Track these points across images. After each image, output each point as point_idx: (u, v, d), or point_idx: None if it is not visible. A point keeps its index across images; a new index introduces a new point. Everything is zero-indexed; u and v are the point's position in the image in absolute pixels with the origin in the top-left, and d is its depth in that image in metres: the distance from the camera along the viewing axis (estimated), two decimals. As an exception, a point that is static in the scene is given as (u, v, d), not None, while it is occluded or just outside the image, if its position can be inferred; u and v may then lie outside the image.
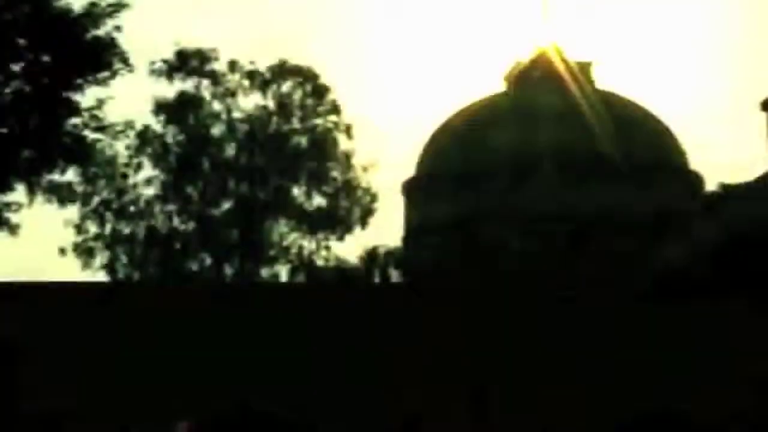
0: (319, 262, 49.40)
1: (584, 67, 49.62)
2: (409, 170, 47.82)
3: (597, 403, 24.68)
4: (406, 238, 40.89)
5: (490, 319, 25.07)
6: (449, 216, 37.85)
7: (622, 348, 24.93)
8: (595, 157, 37.00)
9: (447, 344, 24.80)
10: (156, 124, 47.84)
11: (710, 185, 39.26)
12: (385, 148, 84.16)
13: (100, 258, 46.89)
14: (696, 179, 39.21)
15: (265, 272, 47.84)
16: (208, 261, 46.84)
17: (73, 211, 48.24)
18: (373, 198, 50.09)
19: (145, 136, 47.30)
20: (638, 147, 37.53)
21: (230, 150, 47.75)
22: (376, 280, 50.25)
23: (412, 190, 40.92)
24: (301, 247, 48.94)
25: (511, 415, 24.25)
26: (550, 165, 36.85)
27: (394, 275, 50.32)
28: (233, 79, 47.81)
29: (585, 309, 25.41)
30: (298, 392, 24.31)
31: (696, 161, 63.46)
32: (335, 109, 49.14)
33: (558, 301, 25.38)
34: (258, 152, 47.42)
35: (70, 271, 61.30)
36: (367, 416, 24.25)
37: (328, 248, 49.69)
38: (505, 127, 37.86)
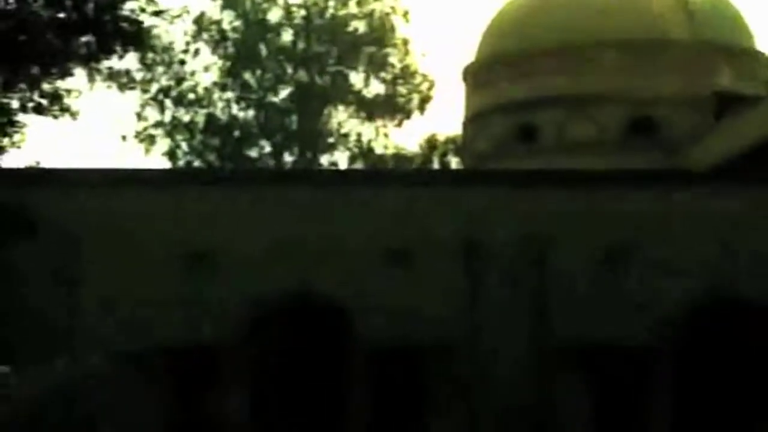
0: (378, 150, 49.36)
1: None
2: (469, 55, 47.16)
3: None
4: (466, 125, 40.54)
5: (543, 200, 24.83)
6: (508, 101, 37.40)
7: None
8: (658, 41, 36.20)
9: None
10: (212, 10, 47.57)
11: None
12: (444, 33, 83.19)
13: (161, 145, 47.19)
14: (764, 62, 38.35)
15: (324, 160, 47.89)
16: (267, 149, 46.94)
17: (133, 99, 48.44)
18: (432, 84, 49.69)
19: (201, 22, 47.07)
20: (705, 29, 36.64)
21: (287, 36, 47.42)
22: (435, 166, 50.16)
23: (471, 75, 40.43)
24: (359, 135, 48.86)
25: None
26: (612, 48, 36.13)
27: (453, 162, 50.17)
28: (289, -37, 47.25)
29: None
30: (357, 278, 24.39)
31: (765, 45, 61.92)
32: (393, -7, 48.53)
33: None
34: (315, 38, 47.04)
35: (132, 158, 61.82)
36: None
37: (386, 135, 49.57)
38: (567, 10, 37.09)
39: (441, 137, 51.42)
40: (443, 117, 79.72)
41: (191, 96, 46.78)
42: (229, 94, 46.96)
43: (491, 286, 24.50)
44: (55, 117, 22.23)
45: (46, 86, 21.90)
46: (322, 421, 24.07)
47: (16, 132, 21.85)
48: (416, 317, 24.15)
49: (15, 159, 38.81)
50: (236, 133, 46.37)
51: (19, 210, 21.23)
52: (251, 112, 46.86)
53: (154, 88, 46.74)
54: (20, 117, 21.77)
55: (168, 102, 46.76)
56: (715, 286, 24.46)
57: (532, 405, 23.57)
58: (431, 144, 50.97)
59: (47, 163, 24.51)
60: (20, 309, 21.18)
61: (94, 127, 71.71)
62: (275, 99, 46.79)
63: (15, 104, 21.70)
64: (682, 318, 24.30)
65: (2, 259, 20.81)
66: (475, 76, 39.90)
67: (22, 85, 21.65)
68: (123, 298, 23.67)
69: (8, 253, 20.96)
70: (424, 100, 49.38)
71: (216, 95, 46.99)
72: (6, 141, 21.84)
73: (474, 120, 39.59)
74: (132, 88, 46.49)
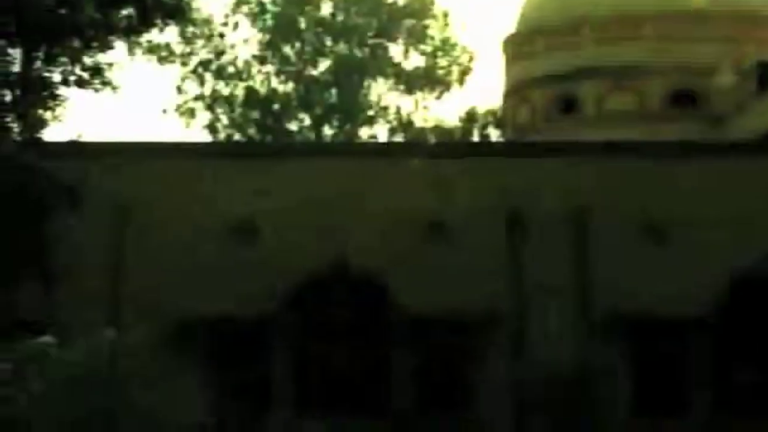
0: (418, 123, 49.20)
1: None
2: (509, 27, 46.91)
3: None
4: (506, 97, 40.32)
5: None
6: (549, 72, 37.14)
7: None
8: (700, 11, 35.77)
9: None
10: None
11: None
12: (483, 5, 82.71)
13: (202, 118, 47.28)
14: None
15: (363, 133, 47.81)
16: (307, 122, 46.91)
17: (173, 72, 48.53)
18: (472, 56, 49.45)
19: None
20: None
21: (326, 9, 47.28)
22: (475, 139, 49.94)
23: (511, 47, 40.17)
24: (399, 108, 48.72)
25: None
26: (653, 18, 35.76)
27: (494, 134, 49.93)
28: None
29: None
30: (398, 251, 24.38)
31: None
32: (432, -35, 48.23)
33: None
34: (355, 10, 46.87)
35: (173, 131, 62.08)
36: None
37: (426, 108, 49.41)
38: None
39: (481, 110, 51.17)
40: (483, 89, 79.35)
41: (231, 69, 46.79)
42: (269, 67, 46.93)
43: (533, 258, 24.42)
44: (97, 90, 22.31)
45: (87, 60, 21.99)
46: (364, 391, 24.12)
47: (58, 105, 21.97)
48: (458, 289, 24.13)
49: (57, 133, 39.08)
50: (276, 107, 46.35)
51: (64, 182, 21.38)
52: (290, 85, 46.81)
53: (193, 61, 46.80)
54: (62, 90, 21.89)
55: (208, 75, 46.80)
56: (757, 257, 24.24)
57: (575, 375, 23.50)
58: (471, 117, 50.74)
59: (89, 137, 24.64)
60: (66, 280, 21.38)
61: (135, 100, 72.05)
62: (315, 72, 46.71)
63: (57, 78, 21.81)
64: (724, 289, 24.12)
65: (48, 231, 20.98)
66: (515, 47, 39.66)
67: (64, 59, 21.74)
68: (167, 270, 23.82)
69: (54, 226, 21.13)
70: (464, 73, 49.12)
71: (255, 68, 46.98)
72: (48, 114, 21.98)
73: (514, 92, 39.39)
74: (172, 62, 46.63)
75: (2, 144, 21.04)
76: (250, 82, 46.71)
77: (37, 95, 21.56)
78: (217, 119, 46.92)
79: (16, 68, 21.52)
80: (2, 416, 9.03)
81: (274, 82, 46.94)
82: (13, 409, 9.09)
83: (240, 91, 46.72)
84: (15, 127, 21.54)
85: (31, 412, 9.18)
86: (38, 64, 21.66)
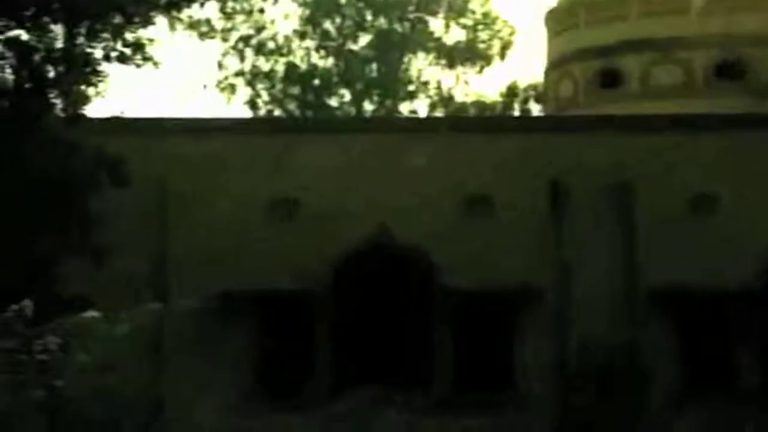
0: (459, 97, 49.00)
1: None
2: (551, 0, 46.41)
3: None
4: (547, 71, 39.98)
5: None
6: (592, 46, 36.77)
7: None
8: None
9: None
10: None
11: None
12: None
13: (242, 94, 47.32)
14: None
15: (404, 108, 47.67)
16: (348, 97, 46.84)
17: (214, 48, 48.56)
18: (513, 30, 49.15)
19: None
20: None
21: (367, -18, 47.09)
22: (516, 114, 49.67)
23: (553, 20, 39.81)
24: (439, 82, 48.53)
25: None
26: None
27: (535, 109, 49.63)
28: None
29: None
30: (440, 225, 24.34)
31: None
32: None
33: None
34: (395, -16, 46.65)
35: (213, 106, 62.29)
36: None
37: (467, 83, 49.20)
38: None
39: (522, 84, 50.85)
40: (524, 64, 78.81)
41: (271, 45, 46.77)
42: (309, 43, 46.86)
43: (576, 232, 24.29)
44: (138, 66, 22.36)
45: (128, 36, 22.02)
46: (405, 365, 24.12)
47: (100, 81, 22.04)
48: (500, 264, 24.07)
49: (99, 109, 39.16)
50: (316, 82, 46.30)
51: (108, 159, 21.46)
52: (331, 61, 46.74)
53: (234, 36, 46.81)
54: (104, 66, 21.95)
55: (248, 51, 46.81)
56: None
57: (619, 350, 23.39)
58: (512, 91, 50.44)
59: (131, 113, 24.74)
60: (112, 256, 21.50)
61: (176, 76, 72.25)
62: (355, 47, 46.59)
63: (99, 54, 21.87)
64: (769, 262, 23.93)
65: (93, 207, 21.09)
66: (557, 20, 39.29)
67: (106, 35, 21.78)
68: (210, 244, 23.90)
69: (99, 202, 21.23)
70: (505, 47, 48.82)
71: (296, 43, 46.92)
72: (91, 91, 22.06)
73: (556, 66, 39.04)
74: (212, 37, 46.68)
75: (46, 121, 21.16)
76: (291, 58, 46.66)
77: (79, 71, 21.64)
78: (258, 95, 46.95)
79: (58, 45, 21.62)
80: (50, 388, 9.10)
81: (315, 58, 46.88)
82: (60, 383, 9.16)
83: (280, 67, 46.70)
84: (58, 103, 21.66)
85: (79, 386, 9.23)
86: (80, 40, 21.73)
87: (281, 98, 46.64)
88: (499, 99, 50.55)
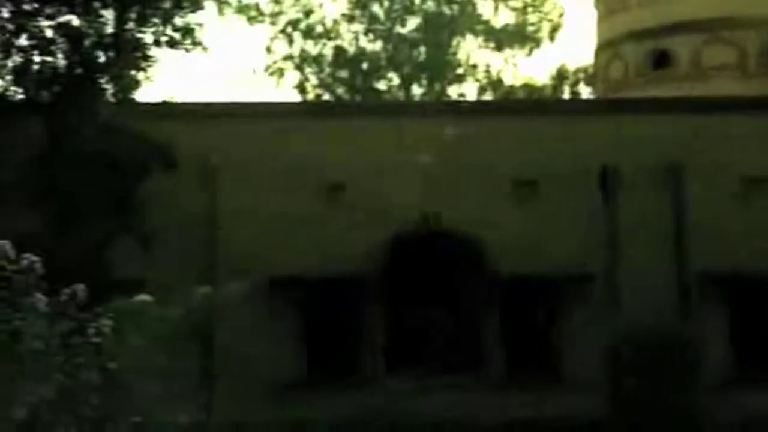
0: (508, 80, 48.78)
1: None
2: (600, -18, 45.92)
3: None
4: (597, 53, 39.69)
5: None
6: (642, 27, 36.43)
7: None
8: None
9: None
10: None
11: None
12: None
13: (291, 78, 47.39)
14: None
15: (452, 91, 47.53)
16: (396, 80, 46.76)
17: (262, 32, 48.68)
18: (562, 12, 48.83)
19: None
20: None
21: (415, -34, 46.95)
22: (566, 96, 49.36)
23: (603, 1, 39.48)
24: (488, 65, 48.33)
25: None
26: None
27: (585, 92, 49.29)
28: None
29: None
30: (488, 209, 24.28)
31: None
32: None
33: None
34: (444, -33, 46.47)
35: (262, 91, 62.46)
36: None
37: (516, 65, 48.95)
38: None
39: (571, 68, 50.50)
40: (574, 46, 78.36)
41: (319, 28, 46.79)
42: (357, 26, 46.82)
43: (627, 216, 24.13)
44: (187, 51, 22.52)
45: (178, 20, 22.16)
46: (455, 350, 24.12)
47: (150, 66, 22.21)
48: (550, 248, 23.97)
49: (149, 94, 39.48)
50: (364, 66, 46.27)
51: (157, 143, 21.63)
52: (379, 44, 46.67)
53: (282, 20, 46.88)
54: (153, 51, 22.11)
55: (296, 35, 46.85)
56: None
57: (670, 335, 23.22)
58: (562, 74, 50.11)
59: (180, 98, 24.93)
60: (161, 240, 21.69)
61: (225, 61, 72.55)
62: (403, 30, 46.48)
63: (149, 39, 22.03)
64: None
65: (143, 191, 21.29)
66: (607, 2, 38.99)
67: (156, 20, 21.95)
68: (259, 228, 24.01)
69: (149, 186, 21.42)
70: (554, 29, 48.52)
71: (344, 27, 46.90)
72: (141, 76, 22.23)
73: (606, 48, 38.75)
74: (261, 21, 46.78)
75: (97, 106, 21.36)
76: (339, 42, 46.66)
77: (129, 57, 21.81)
78: (306, 79, 47.00)
79: (109, 30, 21.79)
80: (104, 370, 9.20)
81: (363, 41, 46.83)
82: (113, 365, 9.26)
83: (329, 51, 46.70)
84: (109, 88, 21.85)
85: (132, 368, 9.33)
86: (130, 25, 21.90)
87: (330, 82, 46.66)
88: (549, 82, 50.26)
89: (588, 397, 23.22)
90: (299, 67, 46.91)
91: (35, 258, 9.35)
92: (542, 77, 50.52)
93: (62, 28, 21.51)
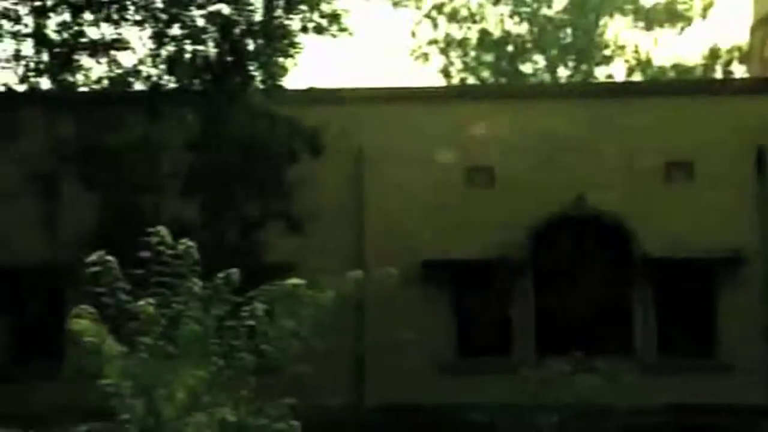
0: (657, 61, 47.77)
1: None
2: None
3: None
4: (753, 30, 38.53)
5: None
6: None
7: None
8: None
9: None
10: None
11: None
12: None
13: (435, 62, 47.35)
14: None
15: (600, 72, 46.82)
16: (542, 63, 46.30)
17: (407, 16, 48.77)
18: (715, -12, 47.53)
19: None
20: None
21: (561, -54, 46.32)
22: (718, 76, 48.11)
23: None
24: (637, 46, 47.41)
25: None
26: None
27: (738, 71, 47.95)
28: None
29: None
30: (639, 191, 23.89)
31: None
32: None
33: None
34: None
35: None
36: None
37: (666, 45, 47.94)
38: None
39: (724, 47, 49.12)
40: (727, 23, 75.99)
41: (464, 12, 46.61)
42: (503, 9, 46.46)
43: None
44: (334, 36, 22.66)
45: (324, 7, 22.33)
46: (606, 331, 23.80)
47: (297, 53, 22.43)
48: (700, 230, 23.47)
49: (295, 80, 39.90)
50: (510, 48, 45.92)
51: (305, 129, 21.87)
52: (525, 26, 46.25)
53: (427, 4, 46.88)
54: (300, 38, 22.32)
55: (441, 19, 46.76)
56: None
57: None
58: (714, 53, 48.79)
59: (326, 83, 25.15)
60: (311, 224, 21.95)
61: (370, 46, 72.97)
62: (549, 12, 45.96)
63: (296, 26, 22.25)
64: None
65: (293, 176, 21.59)
66: (762, -23, 37.82)
67: (303, 7, 22.15)
68: (407, 213, 24.09)
69: (298, 171, 21.71)
70: (707, 6, 47.28)
71: (489, 10, 46.61)
72: (289, 62, 22.47)
73: (762, 24, 37.57)
74: (405, 6, 46.83)
75: (247, 92, 21.70)
76: (484, 25, 46.38)
77: (277, 44, 22.07)
78: (451, 63, 46.87)
79: (257, 17, 22.09)
80: (258, 353, 9.39)
81: (508, 24, 46.45)
82: (268, 347, 9.42)
83: (473, 34, 46.47)
84: (258, 75, 22.16)
85: (286, 351, 9.49)
86: (278, 12, 22.16)
87: (475, 66, 46.45)
88: (700, 62, 49.02)
89: (747, 382, 22.68)
90: (444, 51, 46.81)
91: (191, 243, 9.57)
92: (694, 57, 49.34)
93: (213, 17, 21.89)
